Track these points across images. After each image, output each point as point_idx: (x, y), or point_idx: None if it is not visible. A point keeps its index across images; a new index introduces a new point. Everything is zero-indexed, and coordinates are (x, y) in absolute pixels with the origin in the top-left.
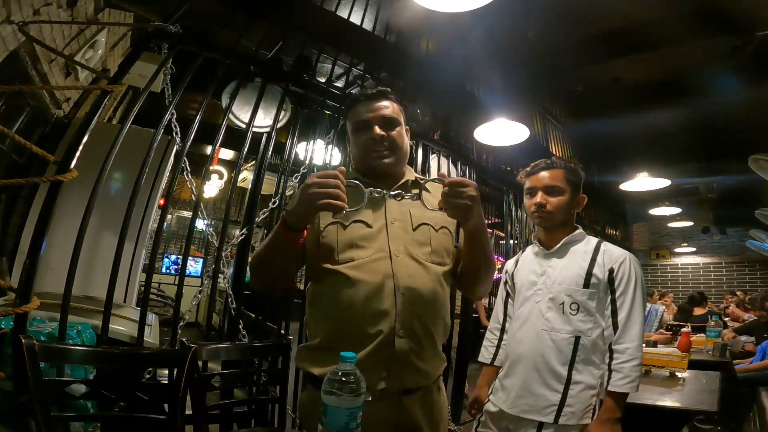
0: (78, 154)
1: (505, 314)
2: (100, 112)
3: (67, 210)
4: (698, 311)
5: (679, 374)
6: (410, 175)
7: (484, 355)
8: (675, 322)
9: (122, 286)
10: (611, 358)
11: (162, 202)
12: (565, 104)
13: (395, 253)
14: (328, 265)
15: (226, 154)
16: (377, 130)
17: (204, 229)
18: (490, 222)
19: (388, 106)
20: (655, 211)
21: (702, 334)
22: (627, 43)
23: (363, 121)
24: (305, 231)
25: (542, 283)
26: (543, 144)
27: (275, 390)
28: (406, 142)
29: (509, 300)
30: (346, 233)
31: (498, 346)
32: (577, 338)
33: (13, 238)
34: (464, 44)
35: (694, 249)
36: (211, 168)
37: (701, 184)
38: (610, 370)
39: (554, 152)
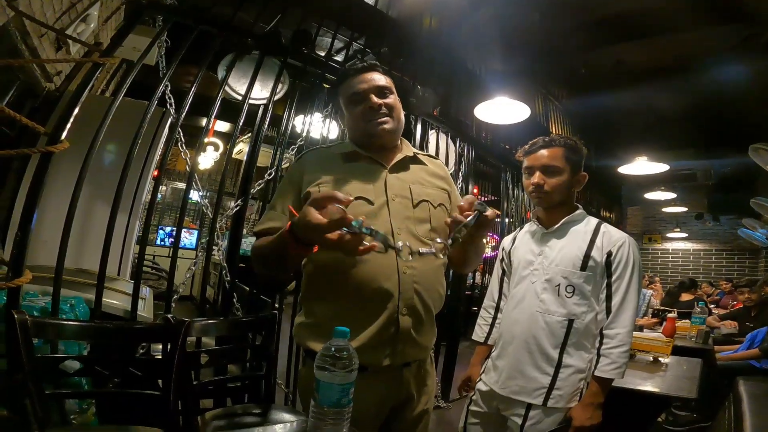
0: (69, 125)
1: (500, 292)
2: (92, 84)
3: (59, 183)
4: (685, 297)
5: (662, 359)
6: (408, 150)
7: (478, 333)
8: (661, 307)
9: (116, 258)
10: (601, 343)
11: (156, 173)
12: (567, 85)
13: (397, 231)
14: None
15: (222, 126)
16: (374, 98)
17: (199, 200)
18: (486, 199)
19: (380, 77)
20: (651, 195)
21: (687, 320)
22: (634, 28)
23: (357, 92)
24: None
25: (539, 263)
26: (543, 124)
27: (262, 366)
28: (402, 111)
29: (505, 278)
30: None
31: (492, 325)
32: (571, 321)
33: (5, 211)
34: (468, 22)
35: (686, 234)
36: (206, 140)
37: (699, 171)
38: (598, 355)
39: (554, 132)
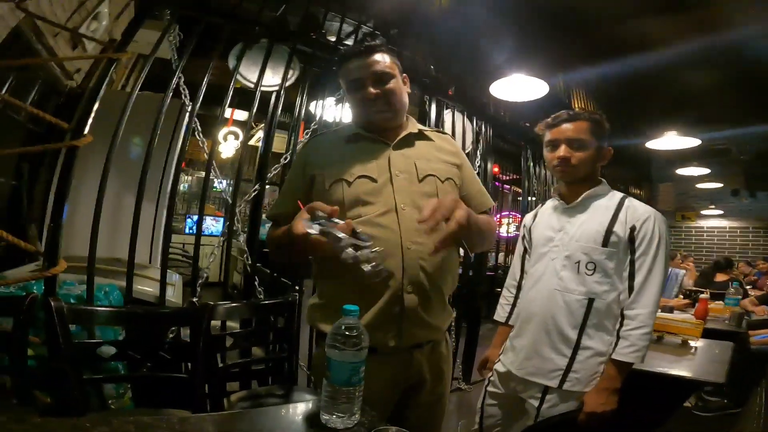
0: (91, 120)
1: (522, 271)
2: (108, 79)
3: (90, 177)
4: (720, 277)
5: (692, 342)
6: (413, 127)
7: (500, 313)
8: (694, 288)
9: (146, 247)
10: (621, 324)
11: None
12: (589, 61)
13: (401, 207)
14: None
15: (242, 115)
16: (370, 89)
17: (221, 188)
18: (508, 178)
19: (379, 61)
20: (683, 171)
21: (721, 302)
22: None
23: (355, 80)
24: None
25: (559, 239)
26: (565, 100)
27: (284, 348)
28: (404, 92)
29: (526, 256)
30: (351, 190)
31: (513, 305)
32: (591, 300)
33: (41, 204)
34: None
35: (721, 212)
36: (226, 129)
37: (733, 145)
38: (618, 337)
39: (578, 108)
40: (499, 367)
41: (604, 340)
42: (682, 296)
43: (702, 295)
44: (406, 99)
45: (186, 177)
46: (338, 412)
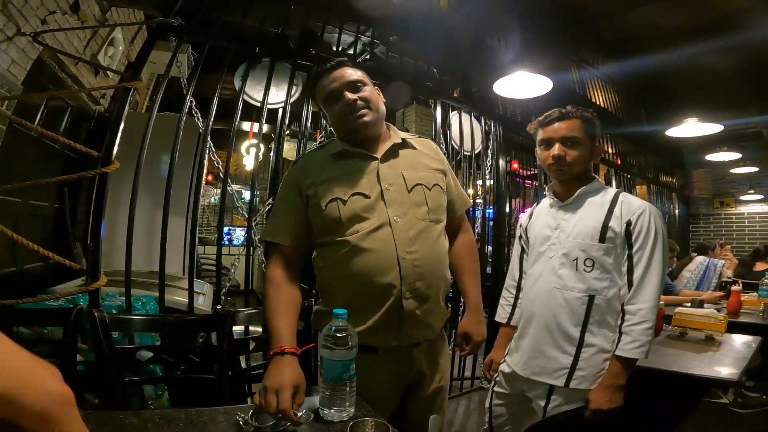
0: (116, 148)
1: (521, 271)
2: (128, 105)
3: (126, 196)
4: (760, 266)
5: (717, 338)
6: (396, 136)
7: (501, 314)
8: (732, 278)
9: (179, 259)
10: (622, 320)
11: (210, 178)
12: (602, 51)
13: (394, 219)
14: (337, 238)
15: (263, 128)
16: (347, 94)
17: (244, 200)
18: (527, 174)
19: (351, 72)
20: (712, 157)
21: (756, 293)
22: None
23: (330, 92)
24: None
25: (556, 238)
26: (580, 92)
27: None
28: (380, 101)
29: (524, 255)
30: (347, 207)
31: (514, 306)
32: (591, 297)
33: (84, 224)
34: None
35: (761, 196)
36: (248, 142)
37: (765, 128)
38: (620, 333)
39: (594, 100)
40: (504, 367)
41: (607, 337)
42: (716, 288)
43: (734, 287)
44: (383, 107)
45: (215, 190)
46: (335, 406)
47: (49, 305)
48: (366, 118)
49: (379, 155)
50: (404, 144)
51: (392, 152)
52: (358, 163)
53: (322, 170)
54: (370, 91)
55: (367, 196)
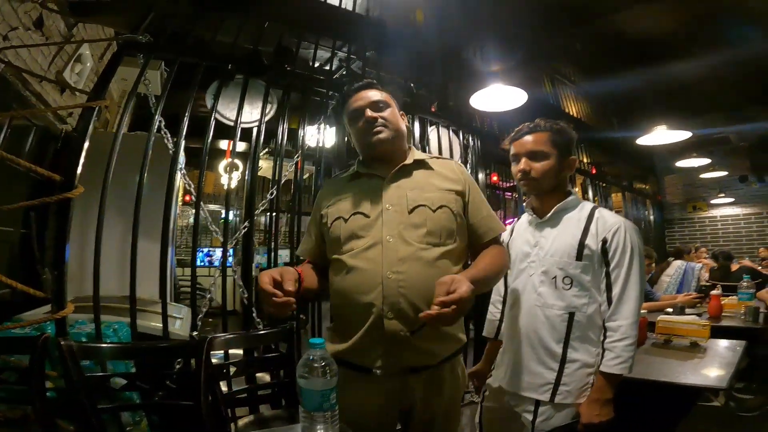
0: (80, 170)
1: (506, 286)
2: (91, 125)
3: (95, 218)
4: (736, 267)
5: (701, 344)
6: (412, 157)
7: (488, 329)
8: (710, 282)
9: (155, 282)
10: (604, 336)
11: (188, 198)
12: (573, 63)
13: (387, 239)
14: (336, 255)
15: (241, 146)
16: (368, 112)
17: (223, 220)
18: (508, 185)
19: (375, 94)
20: (682, 163)
21: (736, 296)
22: None
23: (355, 110)
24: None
25: (535, 255)
26: (555, 105)
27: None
28: (402, 122)
29: (507, 271)
30: (347, 226)
31: (501, 320)
32: (572, 314)
33: (51, 250)
34: (454, 12)
35: (732, 199)
36: (226, 161)
37: (731, 133)
38: (603, 349)
39: (569, 111)
40: (491, 381)
41: (590, 352)
42: (692, 292)
43: (713, 291)
44: (403, 129)
45: (192, 211)
46: None
47: (14, 333)
48: (382, 135)
49: (387, 176)
50: (419, 164)
51: (403, 172)
52: (366, 183)
53: (336, 192)
54: (391, 112)
55: (366, 216)
